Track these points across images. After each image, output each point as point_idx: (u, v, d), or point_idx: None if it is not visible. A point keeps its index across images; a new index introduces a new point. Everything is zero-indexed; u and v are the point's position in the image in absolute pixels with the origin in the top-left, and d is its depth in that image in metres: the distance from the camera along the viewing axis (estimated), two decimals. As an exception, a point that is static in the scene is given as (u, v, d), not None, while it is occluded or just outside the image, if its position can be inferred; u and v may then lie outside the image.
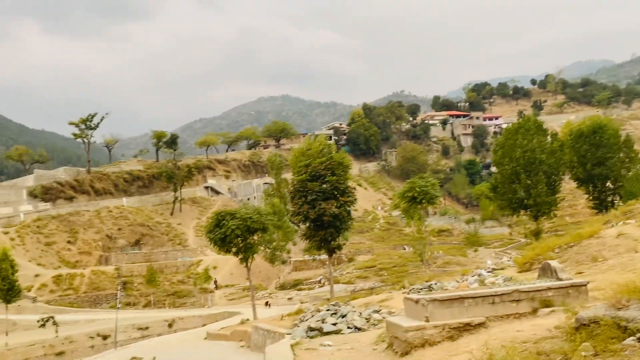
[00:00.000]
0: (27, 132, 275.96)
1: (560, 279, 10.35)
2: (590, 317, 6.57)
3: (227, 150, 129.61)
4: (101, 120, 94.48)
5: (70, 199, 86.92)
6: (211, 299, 59.99)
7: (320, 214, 30.83)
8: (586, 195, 58.58)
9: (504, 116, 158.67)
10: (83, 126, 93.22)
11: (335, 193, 31.11)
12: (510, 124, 62.97)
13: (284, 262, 65.85)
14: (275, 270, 67.96)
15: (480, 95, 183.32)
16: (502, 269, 23.29)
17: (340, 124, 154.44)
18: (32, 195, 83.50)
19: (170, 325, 44.92)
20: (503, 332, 7.71)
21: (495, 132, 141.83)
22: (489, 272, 19.01)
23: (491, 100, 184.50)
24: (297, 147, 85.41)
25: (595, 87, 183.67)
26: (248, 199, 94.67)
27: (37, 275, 64.85)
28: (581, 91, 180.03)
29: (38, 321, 45.29)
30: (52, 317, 44.67)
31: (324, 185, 30.73)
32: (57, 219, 78.26)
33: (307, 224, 31.82)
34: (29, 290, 59.83)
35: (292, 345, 11.83)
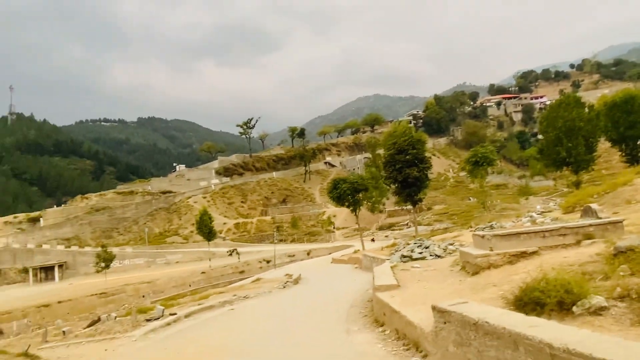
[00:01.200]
0: (212, 133, 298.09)
1: (600, 218, 9.25)
2: (626, 245, 5.84)
3: (337, 137, 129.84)
4: (256, 122, 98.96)
5: (240, 174, 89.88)
6: (333, 236, 60.19)
7: (405, 177, 29.98)
8: (619, 153, 50.91)
9: (547, 95, 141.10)
10: (245, 127, 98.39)
11: (416, 162, 30.01)
12: (553, 100, 55.95)
13: (380, 211, 65.22)
14: (375, 217, 67.42)
15: (527, 81, 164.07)
16: (549, 212, 21.19)
17: (417, 112, 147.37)
18: (218, 173, 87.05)
19: (308, 254, 45.24)
20: (553, 258, 7.11)
21: (540, 108, 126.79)
22: (538, 214, 17.37)
23: (536, 83, 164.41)
24: (386, 130, 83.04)
25: (627, 65, 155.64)
26: (353, 169, 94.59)
27: (224, 223, 66.95)
28: (614, 70, 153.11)
29: (227, 252, 47.53)
30: (235, 249, 46.70)
31: (407, 157, 29.76)
32: (233, 188, 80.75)
33: (396, 185, 31.15)
34: (221, 233, 61.30)
35: (391, 267, 11.87)
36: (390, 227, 61.43)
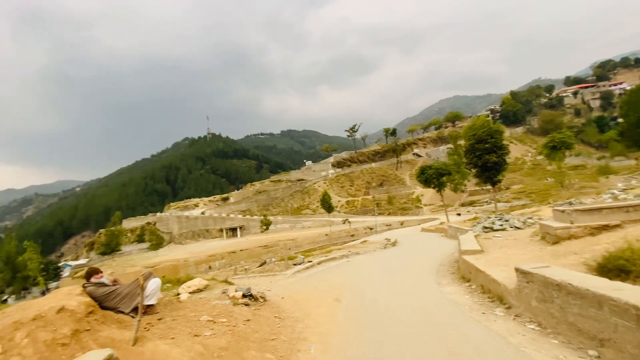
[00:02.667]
0: (329, 138, 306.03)
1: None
2: None
3: (423, 133, 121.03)
4: (359, 127, 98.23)
5: (349, 165, 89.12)
6: (421, 211, 56.72)
7: (485, 162, 26.49)
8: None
9: (627, 82, 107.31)
10: (351, 131, 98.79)
11: (494, 149, 26.24)
12: (634, 86, 42.59)
13: (462, 191, 58.90)
14: (458, 196, 60.73)
15: (605, 70, 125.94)
16: (631, 189, 16.28)
17: (495, 107, 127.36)
18: (333, 165, 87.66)
19: (401, 224, 43.27)
20: (637, 231, 5.59)
21: (619, 94, 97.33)
22: (620, 191, 13.60)
23: (615, 71, 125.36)
24: (466, 124, 74.29)
25: None
26: (437, 158, 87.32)
27: (338, 201, 66.10)
28: None
29: (342, 221, 47.89)
30: (347, 219, 47.04)
31: (486, 145, 26.21)
32: (344, 176, 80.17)
33: (476, 169, 27.76)
34: (336, 208, 60.94)
35: (475, 236, 10.81)
36: (471, 204, 54.97)
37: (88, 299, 3.67)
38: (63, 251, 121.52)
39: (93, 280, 4.14)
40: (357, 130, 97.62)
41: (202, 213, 64.37)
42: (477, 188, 54.87)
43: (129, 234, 63.29)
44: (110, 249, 45.42)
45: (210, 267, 30.99)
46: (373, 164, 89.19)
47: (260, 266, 15.68)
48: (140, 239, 59.37)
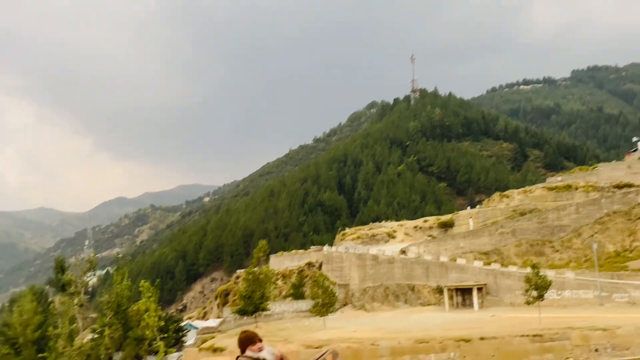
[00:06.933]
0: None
1: None
2: None
3: None
4: None
5: None
6: None
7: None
8: None
9: None
10: None
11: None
12: None
13: None
14: None
15: None
16: None
17: None
18: None
19: None
20: None
21: None
22: None
23: None
24: None
25: None
26: None
27: None
28: None
29: None
30: None
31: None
32: None
33: None
34: None
35: None
36: None
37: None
38: (186, 302, 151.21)
39: (249, 353, 4.99)
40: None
41: (403, 252, 65.67)
42: None
43: (279, 282, 70.60)
44: (253, 305, 50.10)
45: (420, 365, 33.05)
46: None
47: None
48: (296, 293, 65.03)
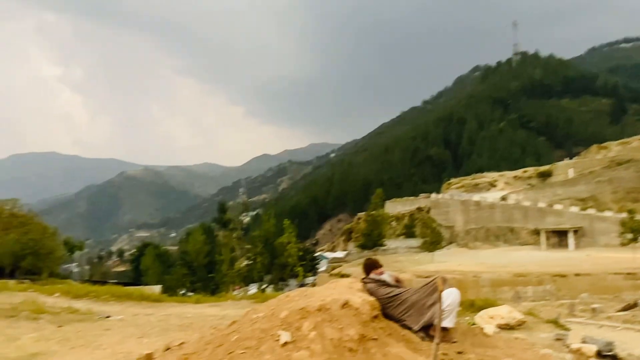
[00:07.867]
0: None
1: None
2: None
3: None
4: None
5: None
6: None
7: None
8: None
9: None
10: None
11: None
12: None
13: None
14: None
15: None
16: None
17: None
18: None
19: None
20: None
21: None
22: None
23: None
24: None
25: None
26: None
27: None
28: None
29: None
30: None
31: None
32: None
33: None
34: None
35: None
36: None
37: (372, 299, 4.72)
38: (318, 237, 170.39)
39: (373, 275, 5.30)
40: None
41: (503, 198, 67.56)
42: None
43: (393, 223, 76.66)
44: (372, 241, 57.57)
45: (517, 294, 32.24)
46: None
47: (625, 310, 15.49)
48: (408, 232, 70.36)
